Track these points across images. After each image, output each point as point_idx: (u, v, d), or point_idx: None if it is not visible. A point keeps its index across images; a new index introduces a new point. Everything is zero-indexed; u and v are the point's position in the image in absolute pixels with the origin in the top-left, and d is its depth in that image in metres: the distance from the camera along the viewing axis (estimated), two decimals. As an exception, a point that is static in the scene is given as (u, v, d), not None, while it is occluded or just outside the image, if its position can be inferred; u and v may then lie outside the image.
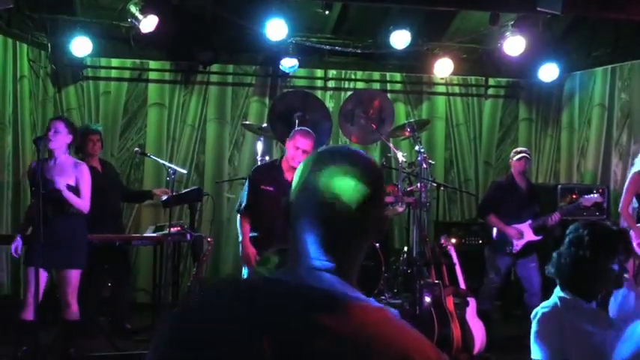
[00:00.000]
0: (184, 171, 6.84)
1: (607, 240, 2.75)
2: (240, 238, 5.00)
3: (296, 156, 4.80)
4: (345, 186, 1.24)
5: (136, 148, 6.74)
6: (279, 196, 4.64)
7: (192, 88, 7.72)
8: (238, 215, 5.07)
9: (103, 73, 7.52)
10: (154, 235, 5.64)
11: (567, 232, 2.87)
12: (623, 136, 7.28)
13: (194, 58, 7.41)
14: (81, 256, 4.90)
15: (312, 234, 1.26)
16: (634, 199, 5.83)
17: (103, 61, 7.49)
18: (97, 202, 5.30)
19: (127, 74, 7.58)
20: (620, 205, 5.86)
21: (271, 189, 4.85)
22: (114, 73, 7.55)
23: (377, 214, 1.30)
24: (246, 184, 5.13)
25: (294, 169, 4.61)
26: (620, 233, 2.83)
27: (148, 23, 6.37)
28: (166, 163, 6.42)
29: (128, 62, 7.55)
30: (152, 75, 7.65)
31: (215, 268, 7.55)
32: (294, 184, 1.32)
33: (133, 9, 6.40)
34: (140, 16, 6.34)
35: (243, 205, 5.02)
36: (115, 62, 7.53)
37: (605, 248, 2.73)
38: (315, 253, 1.27)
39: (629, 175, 5.93)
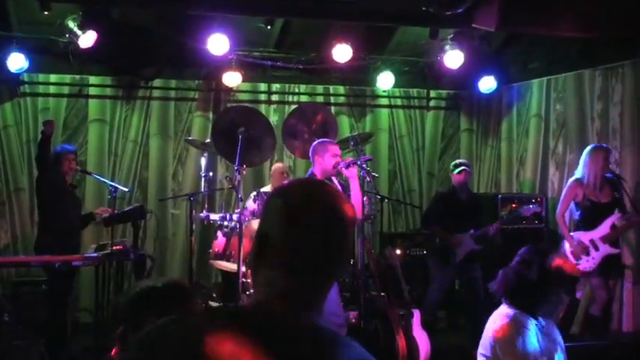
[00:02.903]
0: (126, 189, 6.74)
1: (555, 273, 2.95)
2: None
3: (336, 162, 5.20)
4: None
5: (77, 166, 6.60)
6: None
7: (134, 104, 7.62)
8: None
9: (41, 89, 7.35)
10: (95, 255, 5.53)
11: (519, 253, 3.02)
12: (559, 145, 7.50)
13: (135, 73, 7.33)
14: None
15: None
16: (573, 207, 6.02)
17: (41, 77, 7.33)
18: (66, 220, 5.45)
19: (66, 90, 7.44)
20: (557, 211, 6.05)
21: None
22: (52, 89, 7.40)
23: None
24: None
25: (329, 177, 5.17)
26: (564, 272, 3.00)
27: (87, 39, 6.26)
28: (107, 181, 6.35)
29: (67, 78, 7.41)
30: (92, 90, 7.52)
31: (160, 286, 7.44)
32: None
33: (71, 24, 6.28)
34: (78, 32, 6.23)
35: None
36: (53, 78, 7.38)
37: (553, 279, 2.94)
38: None
39: (567, 183, 6.12)
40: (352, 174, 5.22)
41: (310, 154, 5.45)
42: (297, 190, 1.50)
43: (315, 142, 5.48)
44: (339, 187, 5.26)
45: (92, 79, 7.49)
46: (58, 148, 6.11)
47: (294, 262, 1.41)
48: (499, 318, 2.96)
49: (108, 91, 7.58)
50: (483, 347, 2.98)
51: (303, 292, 1.41)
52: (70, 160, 6.05)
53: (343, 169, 5.19)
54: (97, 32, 6.21)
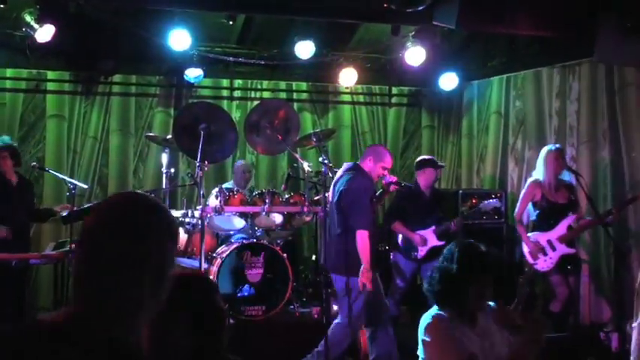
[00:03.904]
0: (85, 185, 6.64)
1: (475, 262, 2.92)
2: (366, 260, 5.06)
3: (383, 175, 5.43)
4: None
5: (34, 162, 6.48)
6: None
7: (94, 99, 7.51)
8: (366, 233, 5.08)
9: (-4, 84, 7.20)
10: (53, 253, 5.44)
11: (444, 250, 3.04)
12: (518, 142, 7.62)
13: (95, 68, 7.22)
14: None
15: None
16: (531, 208, 6.13)
17: (-3, 72, 7.18)
18: (9, 218, 5.19)
19: (23, 85, 7.29)
20: (515, 212, 6.15)
21: (374, 201, 5.37)
22: (9, 84, 7.24)
23: None
24: (366, 201, 5.21)
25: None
26: (489, 258, 2.96)
27: (45, 32, 6.13)
28: (65, 178, 6.23)
29: (24, 72, 7.26)
30: (50, 85, 7.39)
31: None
32: None
33: (28, 18, 6.14)
34: (35, 25, 6.10)
35: (369, 225, 5.15)
36: (9, 72, 7.22)
37: (473, 270, 2.91)
38: None
39: (526, 184, 6.23)
40: (384, 194, 5.60)
41: (367, 150, 5.66)
42: (96, 206, 1.52)
43: (378, 145, 6.07)
44: None
45: (50, 74, 7.36)
46: None
47: (78, 274, 1.40)
48: (425, 319, 2.96)
49: (66, 87, 7.46)
50: (418, 349, 2.99)
51: (93, 306, 1.38)
52: (2, 158, 5.80)
53: (384, 183, 5.44)
54: (54, 26, 6.09)
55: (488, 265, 2.92)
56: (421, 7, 4.96)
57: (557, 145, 6.21)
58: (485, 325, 3.01)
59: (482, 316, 3.01)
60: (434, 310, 2.99)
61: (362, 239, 5.05)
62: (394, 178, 5.52)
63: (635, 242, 6.17)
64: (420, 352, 2.97)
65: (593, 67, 6.61)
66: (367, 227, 5.07)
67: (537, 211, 6.07)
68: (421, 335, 2.94)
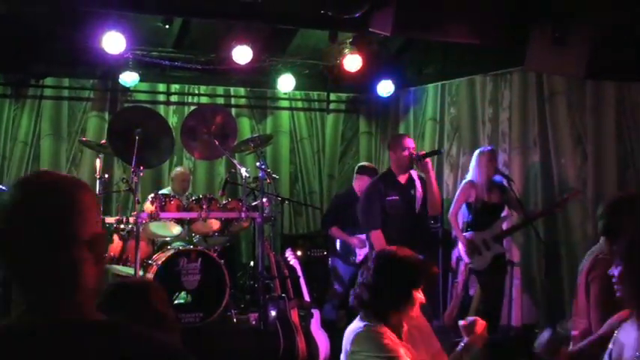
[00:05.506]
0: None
1: (391, 266, 2.92)
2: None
3: (410, 155, 5.24)
4: None
5: None
6: (403, 201, 5.18)
7: (24, 102, 7.29)
8: (376, 232, 5.06)
9: None
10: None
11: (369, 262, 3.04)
12: (453, 148, 7.77)
13: (25, 70, 7.01)
14: None
15: None
16: (465, 209, 6.26)
17: None
18: None
19: (-52, 87, 7.03)
20: (450, 211, 6.27)
21: (396, 198, 5.15)
22: None
23: None
24: (369, 202, 5.15)
25: (406, 171, 5.26)
26: (407, 262, 2.95)
27: (-29, 34, 5.94)
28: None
29: (-51, 75, 7.00)
30: (-23, 88, 7.14)
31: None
32: None
33: (-46, 18, 5.94)
34: (-38, 26, 5.90)
35: (379, 224, 5.08)
36: None
37: (391, 274, 2.90)
38: None
39: (460, 185, 6.36)
40: (425, 168, 5.23)
41: (389, 147, 5.58)
42: None
43: (390, 138, 5.84)
44: (418, 182, 5.37)
45: (-23, 77, 7.12)
46: None
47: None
48: (351, 331, 2.94)
49: (-6, 89, 7.22)
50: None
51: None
52: None
53: (417, 162, 5.21)
54: (-19, 27, 5.90)
55: (410, 272, 2.90)
56: (357, 14, 5.00)
57: (489, 147, 6.37)
58: (411, 330, 3.00)
59: (408, 322, 2.99)
60: (358, 322, 2.94)
61: (375, 239, 5.09)
62: (421, 152, 5.47)
63: (564, 243, 6.36)
64: None
65: (523, 75, 6.80)
66: (377, 226, 5.11)
67: (471, 211, 6.20)
68: (350, 346, 2.89)
